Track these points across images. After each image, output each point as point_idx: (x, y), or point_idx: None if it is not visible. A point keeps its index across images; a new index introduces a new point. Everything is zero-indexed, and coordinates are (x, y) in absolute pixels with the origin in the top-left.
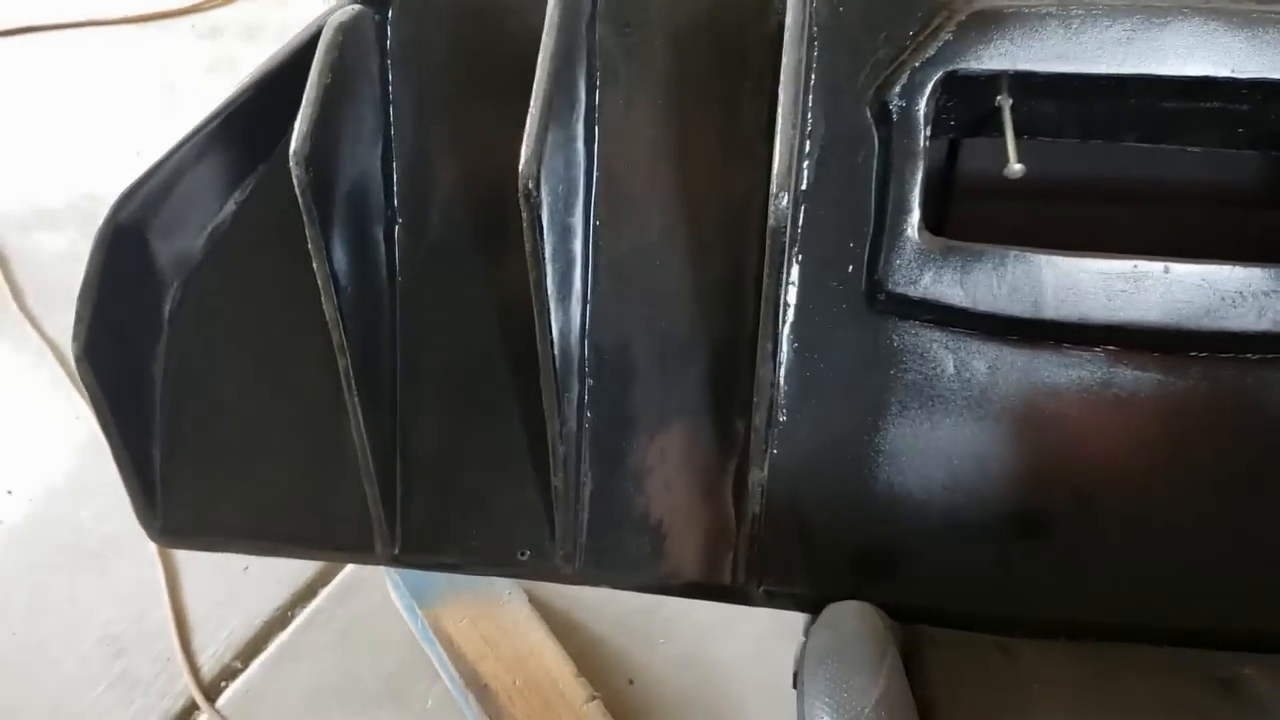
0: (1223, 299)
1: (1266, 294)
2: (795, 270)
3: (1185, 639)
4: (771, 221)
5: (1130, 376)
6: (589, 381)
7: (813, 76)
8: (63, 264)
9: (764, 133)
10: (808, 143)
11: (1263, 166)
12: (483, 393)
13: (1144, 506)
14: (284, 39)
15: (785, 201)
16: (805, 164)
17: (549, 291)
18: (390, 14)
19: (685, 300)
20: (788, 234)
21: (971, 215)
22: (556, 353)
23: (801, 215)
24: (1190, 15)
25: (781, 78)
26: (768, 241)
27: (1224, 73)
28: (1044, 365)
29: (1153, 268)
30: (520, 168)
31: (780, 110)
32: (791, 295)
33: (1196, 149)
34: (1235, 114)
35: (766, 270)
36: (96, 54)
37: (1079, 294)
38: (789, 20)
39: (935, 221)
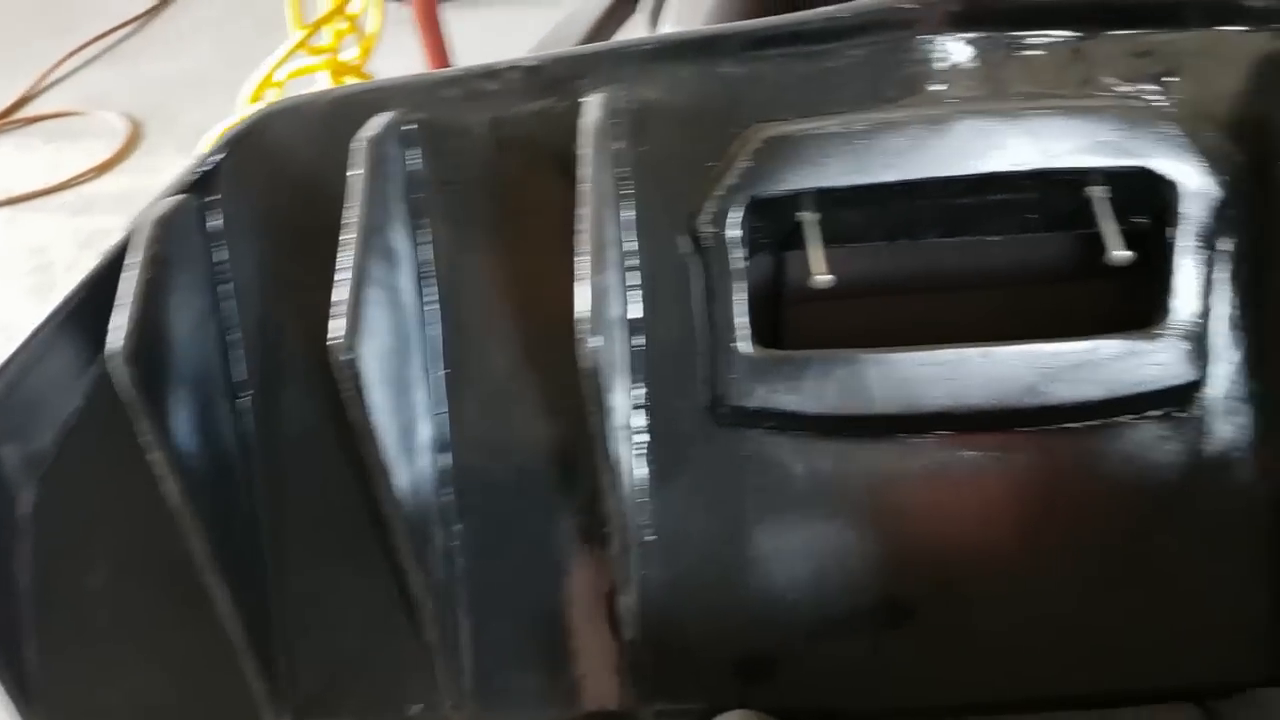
0: (1040, 375)
1: (1078, 366)
2: (642, 394)
3: (1060, 704)
4: (583, 364)
5: (966, 458)
6: (455, 526)
7: (624, 213)
8: None
9: None
10: (635, 275)
11: (1062, 245)
12: (350, 551)
13: (1000, 582)
14: None
15: (593, 344)
16: (637, 294)
17: (387, 450)
18: (214, 196)
19: (542, 435)
20: (603, 373)
21: (807, 318)
22: (406, 506)
23: (641, 342)
24: (965, 118)
25: (579, 228)
26: (583, 382)
27: (1005, 167)
28: (885, 457)
29: (971, 353)
30: (329, 343)
31: (578, 259)
32: (641, 419)
33: (1000, 237)
34: (1024, 202)
35: (589, 409)
36: None
37: (906, 386)
38: (581, 173)
39: (772, 330)
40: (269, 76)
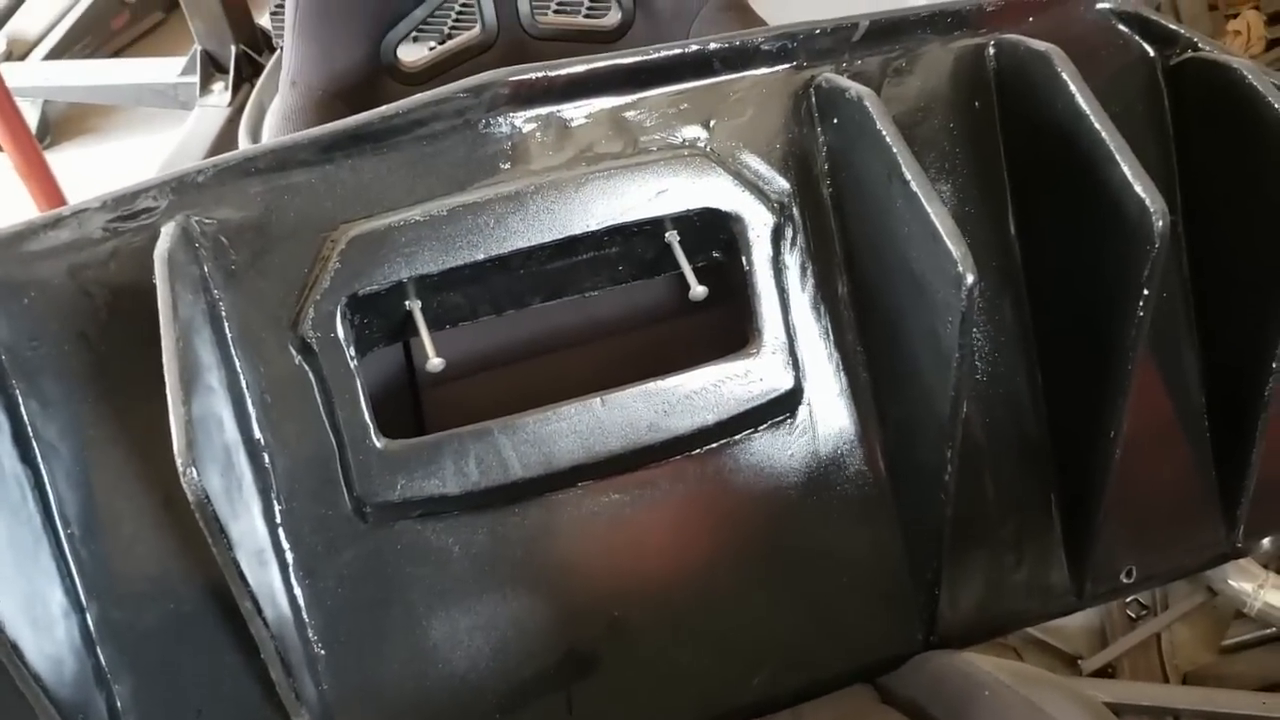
0: (658, 411)
1: (690, 396)
2: (279, 513)
3: (754, 712)
4: (190, 498)
5: (611, 502)
6: (115, 687)
7: (229, 332)
8: None
9: None
10: (248, 394)
11: (659, 288)
12: None
13: (669, 610)
14: None
15: (195, 475)
16: (254, 415)
17: (8, 623)
18: None
19: (183, 575)
20: (217, 502)
21: (444, 401)
22: (48, 679)
23: (268, 461)
24: (538, 190)
25: (164, 359)
26: (197, 515)
27: (583, 229)
28: (536, 518)
29: (591, 403)
30: None
31: (169, 391)
32: (284, 538)
33: (603, 289)
34: (611, 257)
35: (210, 540)
36: None
37: (537, 447)
38: (160, 303)
39: (414, 417)
40: None
